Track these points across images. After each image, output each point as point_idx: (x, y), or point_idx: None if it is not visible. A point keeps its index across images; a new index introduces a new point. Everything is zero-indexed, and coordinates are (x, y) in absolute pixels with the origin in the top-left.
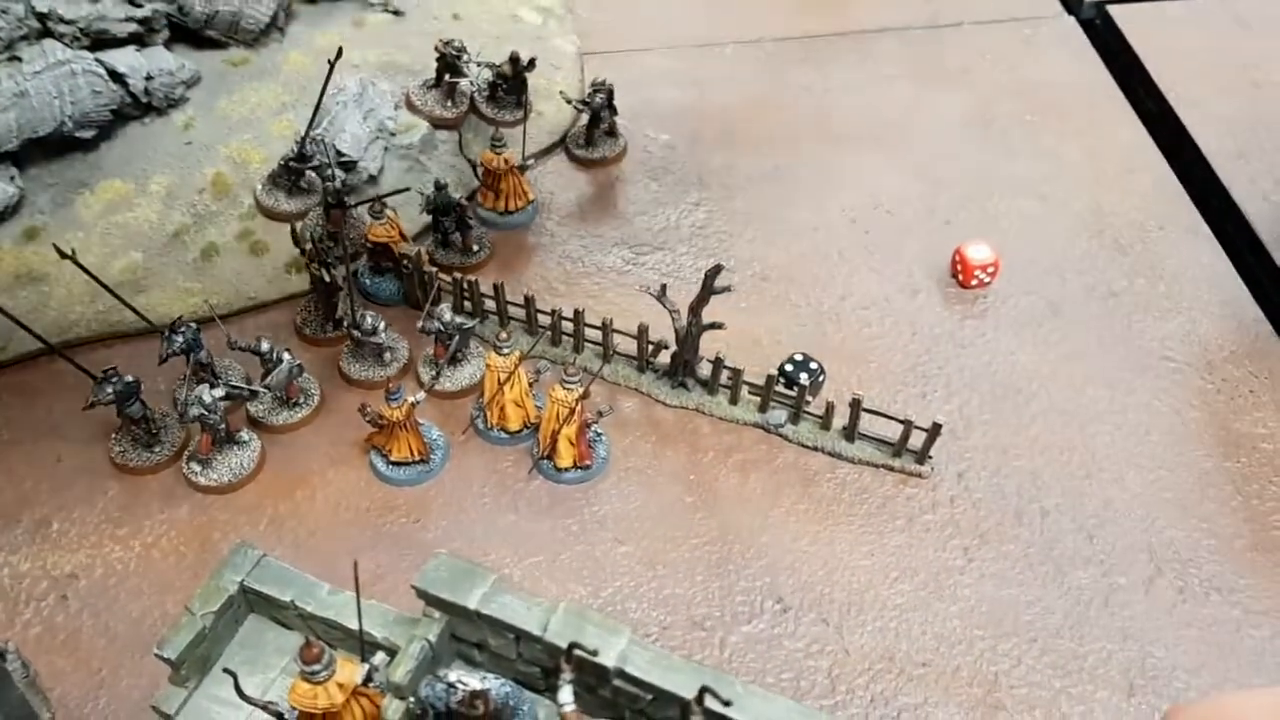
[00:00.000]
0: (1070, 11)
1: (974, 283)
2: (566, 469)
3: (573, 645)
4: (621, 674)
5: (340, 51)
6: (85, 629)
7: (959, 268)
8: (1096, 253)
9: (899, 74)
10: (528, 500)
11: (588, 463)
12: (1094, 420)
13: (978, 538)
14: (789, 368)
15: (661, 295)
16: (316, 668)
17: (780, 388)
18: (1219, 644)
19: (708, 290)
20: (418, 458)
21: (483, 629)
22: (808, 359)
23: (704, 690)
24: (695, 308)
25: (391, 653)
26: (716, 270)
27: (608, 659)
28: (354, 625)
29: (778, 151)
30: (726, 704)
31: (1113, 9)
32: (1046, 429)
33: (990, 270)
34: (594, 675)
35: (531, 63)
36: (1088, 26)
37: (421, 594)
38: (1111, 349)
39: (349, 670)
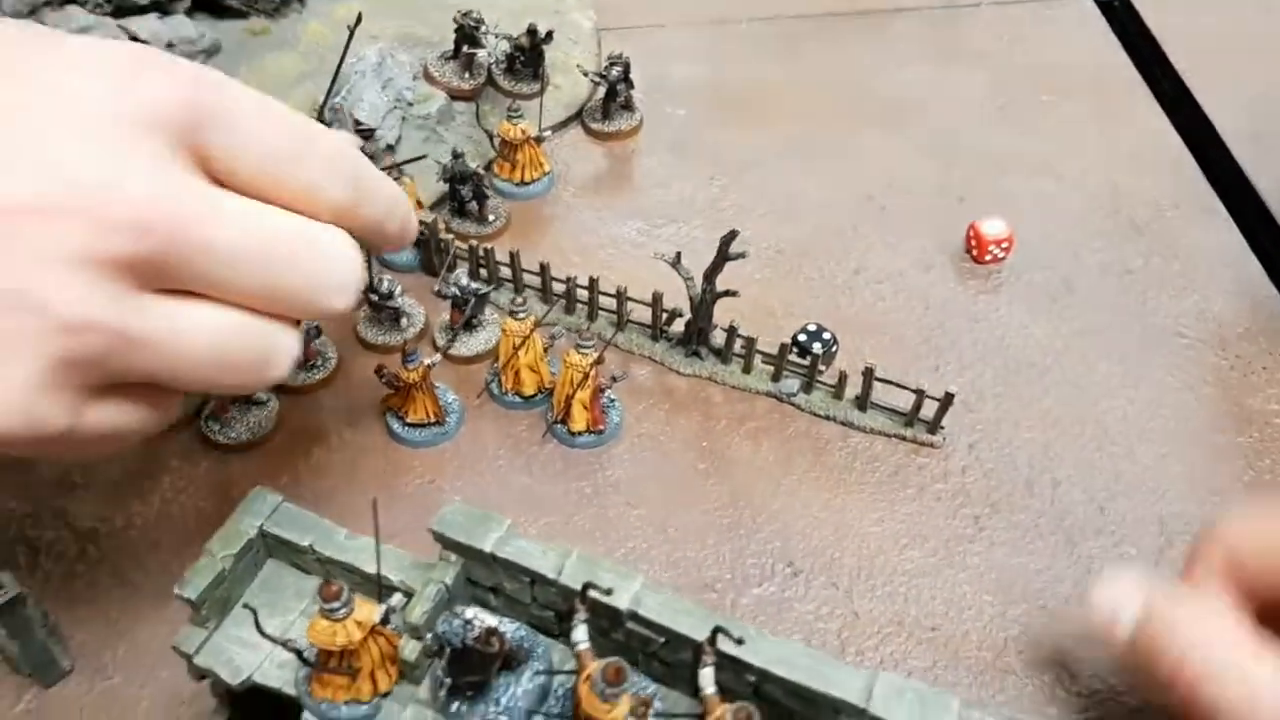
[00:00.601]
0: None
1: (988, 258)
2: (580, 433)
3: (587, 585)
4: (634, 616)
5: (360, 18)
6: (104, 580)
7: (973, 243)
8: (1111, 231)
9: (916, 54)
10: (541, 463)
11: (601, 428)
12: (1106, 395)
13: (988, 507)
14: (802, 337)
15: (676, 263)
16: (336, 605)
17: (793, 357)
18: None
19: (722, 257)
20: (433, 420)
21: (498, 573)
22: (821, 329)
23: (716, 630)
24: (710, 275)
25: (408, 595)
26: (731, 236)
27: (621, 601)
28: (371, 569)
29: (793, 128)
30: (739, 642)
31: None
32: (1058, 402)
33: (1004, 246)
34: (607, 619)
35: (549, 35)
36: (1106, 9)
37: (438, 537)
38: (1125, 325)
39: (367, 610)
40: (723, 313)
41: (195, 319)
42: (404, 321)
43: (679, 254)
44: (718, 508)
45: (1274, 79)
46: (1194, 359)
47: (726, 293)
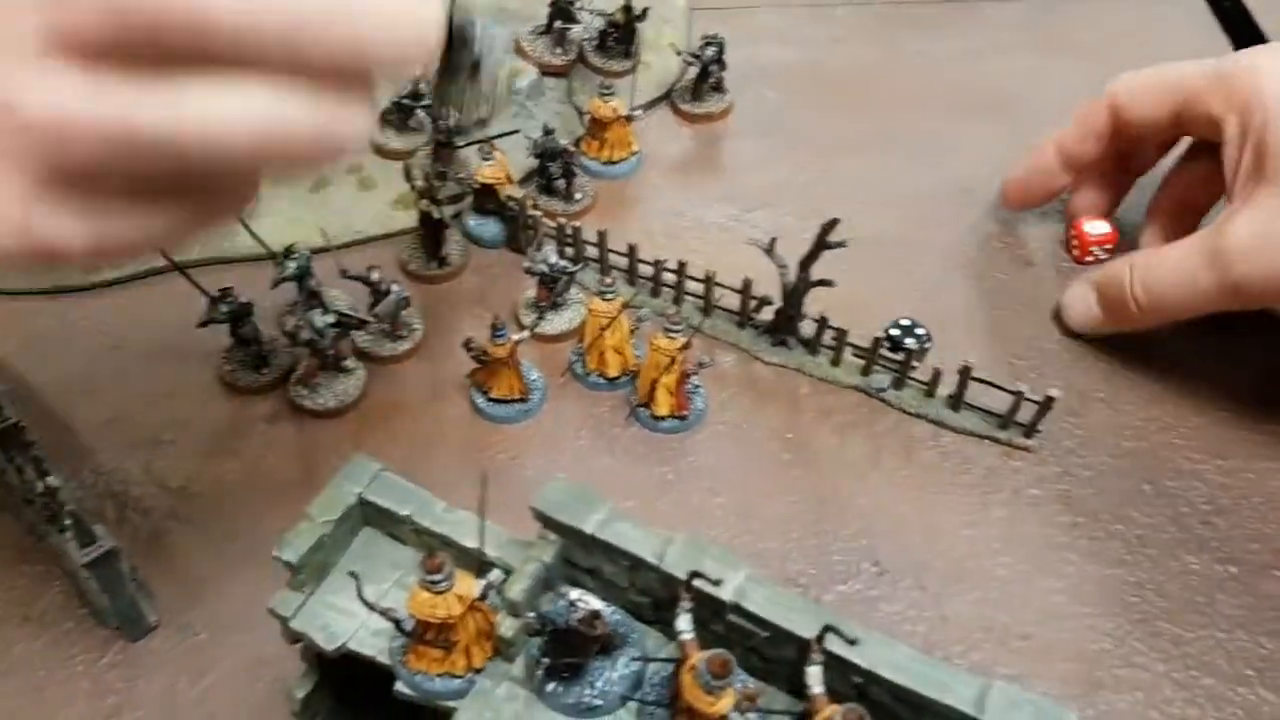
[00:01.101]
0: None
1: (1089, 259)
2: (663, 418)
3: (694, 574)
4: (738, 609)
5: None
6: (191, 538)
7: (1075, 242)
8: None
9: (1016, 43)
10: (624, 446)
11: (685, 413)
12: (1222, 402)
13: (1086, 515)
14: (895, 332)
15: (770, 249)
16: (438, 577)
17: (885, 352)
18: None
19: (820, 244)
20: (517, 396)
21: (597, 555)
22: (915, 324)
23: (827, 629)
24: (805, 263)
25: (507, 572)
26: (832, 224)
27: (724, 593)
28: (467, 543)
29: (889, 116)
30: (852, 643)
31: None
32: (1165, 411)
33: (1108, 247)
34: (708, 609)
35: (644, 13)
36: (1215, 5)
37: (539, 515)
38: (1238, 330)
39: (467, 584)
40: (813, 303)
41: (216, 100)
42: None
43: (774, 240)
44: (802, 501)
45: None
46: None
47: (821, 282)
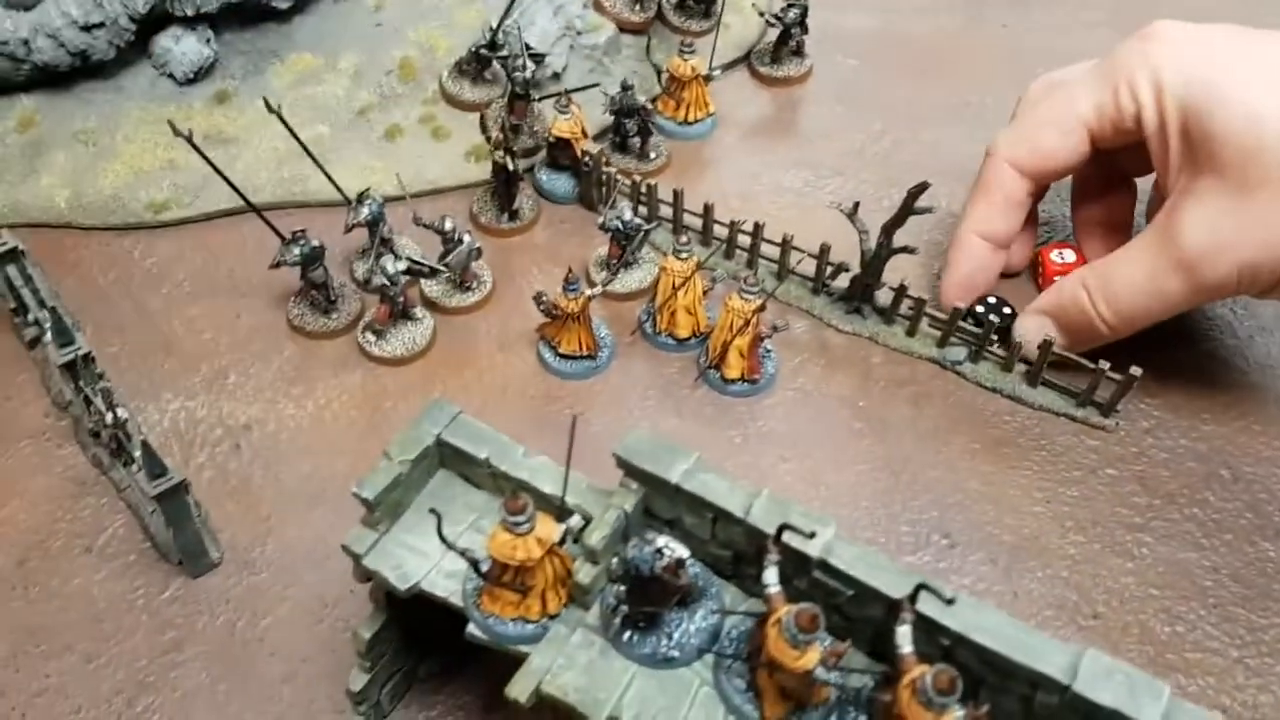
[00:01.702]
0: None
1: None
2: (734, 380)
3: (784, 527)
4: (824, 565)
5: None
6: (255, 478)
7: (1040, 269)
8: None
9: (1100, 20)
10: (692, 408)
11: (756, 376)
12: None
13: (1162, 497)
14: (980, 309)
15: (853, 214)
16: (520, 519)
17: (965, 324)
18: None
19: (907, 210)
20: (586, 353)
21: (680, 506)
22: (1003, 302)
23: (920, 588)
24: (889, 229)
25: (587, 519)
26: (921, 188)
27: (813, 549)
28: (546, 489)
29: (969, 87)
30: (949, 602)
31: None
32: (1246, 394)
33: None
34: (792, 565)
35: None
36: None
37: (622, 463)
38: None
39: (548, 527)
40: (891, 272)
41: None
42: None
43: (856, 204)
44: (873, 469)
45: None
46: None
47: (905, 249)
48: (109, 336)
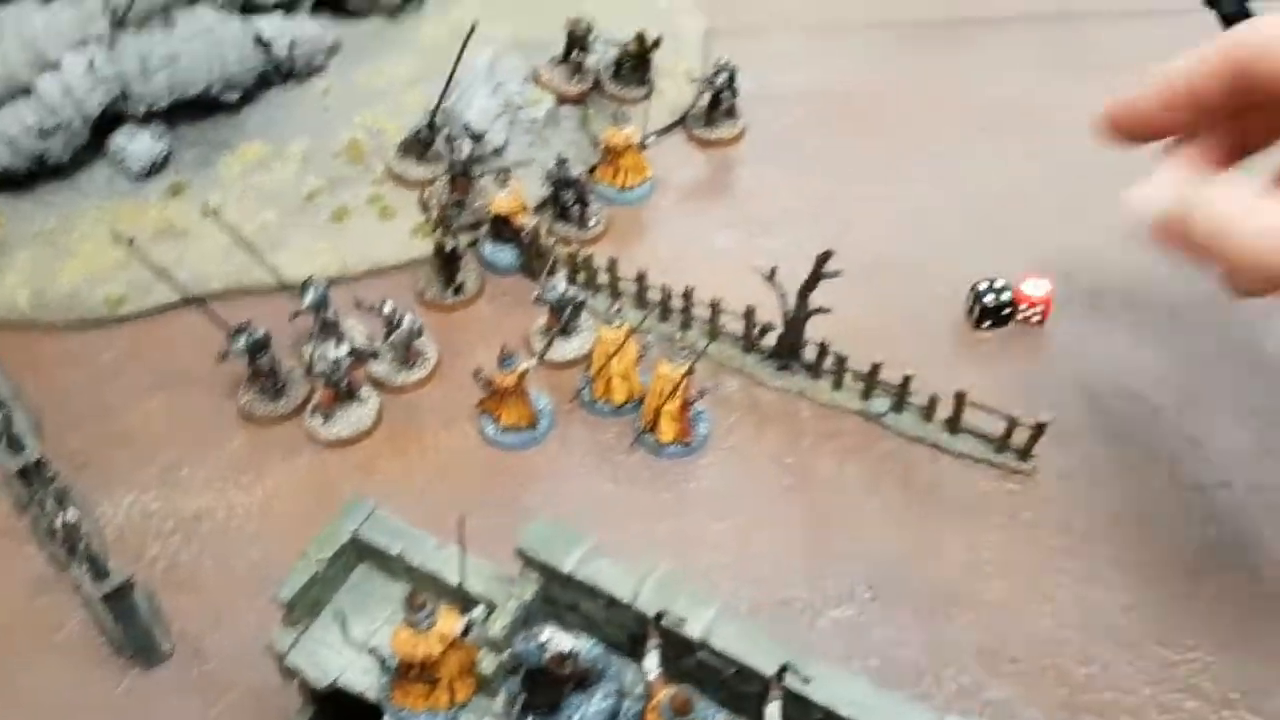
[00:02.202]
0: (1211, 6)
1: (1020, 319)
2: (668, 444)
3: (660, 614)
4: (705, 646)
5: (474, 27)
6: (206, 568)
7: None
8: None
9: (1029, 64)
10: (628, 472)
11: (688, 440)
12: (1208, 430)
13: (1078, 539)
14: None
15: (771, 277)
16: (420, 616)
17: (885, 376)
18: None
19: (817, 275)
20: (525, 424)
21: (574, 592)
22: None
23: (784, 668)
24: (804, 292)
25: (490, 609)
26: (826, 256)
27: (693, 630)
28: (456, 580)
29: (903, 139)
30: (806, 681)
31: (1254, 3)
32: (1155, 437)
33: (1040, 310)
34: (680, 645)
35: (657, 42)
36: (1229, 22)
37: (521, 554)
38: (1231, 355)
39: (450, 622)
40: (819, 327)
41: None
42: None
43: (774, 269)
44: (801, 525)
45: None
46: None
47: (818, 310)
48: (67, 434)
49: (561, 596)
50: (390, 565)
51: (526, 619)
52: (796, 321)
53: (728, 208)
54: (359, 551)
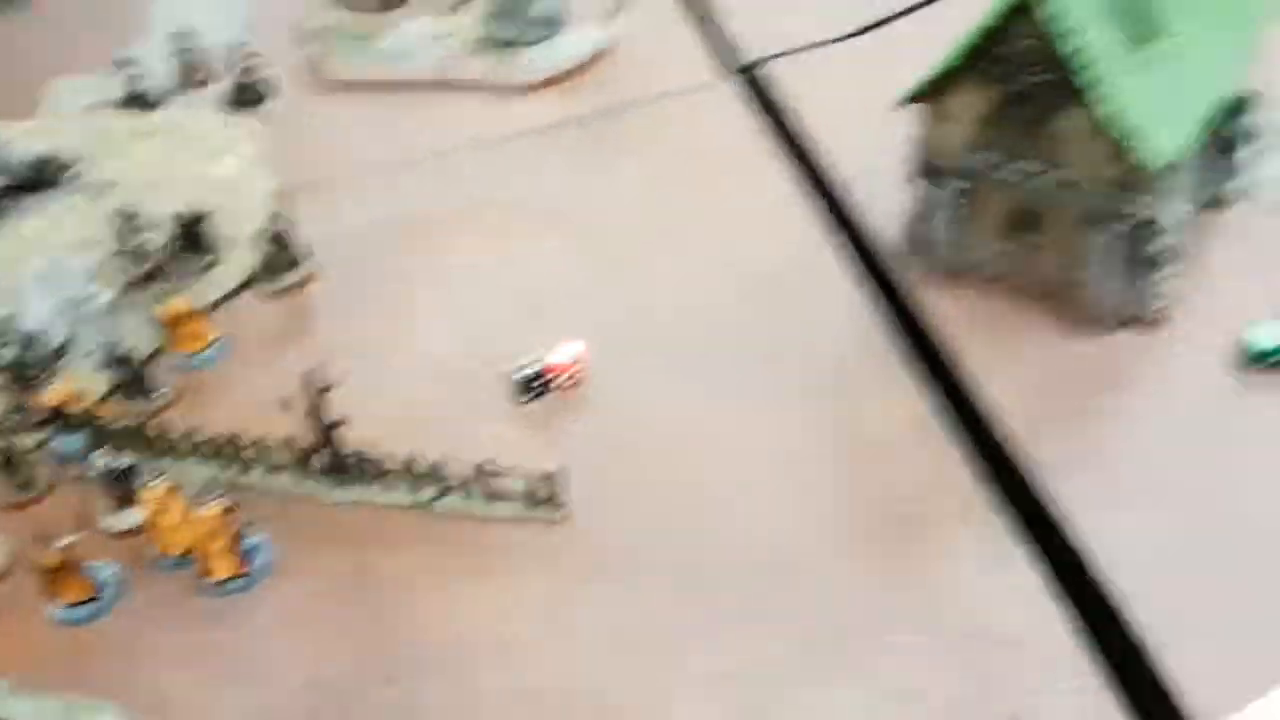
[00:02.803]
0: (732, 72)
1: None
2: (225, 580)
3: None
4: None
5: None
6: None
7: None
8: (737, 303)
9: (560, 167)
10: (184, 618)
11: (245, 571)
12: (730, 456)
13: (611, 574)
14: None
15: (286, 407)
16: None
17: (419, 466)
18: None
19: (313, 392)
20: (86, 598)
21: None
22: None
23: None
24: (313, 411)
25: None
26: (313, 372)
27: None
28: None
29: (456, 249)
30: None
31: (772, 64)
32: (680, 472)
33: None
34: None
35: (200, 217)
36: (751, 85)
37: None
38: (747, 388)
39: None
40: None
41: None
42: None
43: (286, 399)
44: (355, 636)
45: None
46: (814, 418)
47: (335, 424)
48: None
49: None
50: None
51: None
52: (324, 437)
53: (297, 350)
54: None
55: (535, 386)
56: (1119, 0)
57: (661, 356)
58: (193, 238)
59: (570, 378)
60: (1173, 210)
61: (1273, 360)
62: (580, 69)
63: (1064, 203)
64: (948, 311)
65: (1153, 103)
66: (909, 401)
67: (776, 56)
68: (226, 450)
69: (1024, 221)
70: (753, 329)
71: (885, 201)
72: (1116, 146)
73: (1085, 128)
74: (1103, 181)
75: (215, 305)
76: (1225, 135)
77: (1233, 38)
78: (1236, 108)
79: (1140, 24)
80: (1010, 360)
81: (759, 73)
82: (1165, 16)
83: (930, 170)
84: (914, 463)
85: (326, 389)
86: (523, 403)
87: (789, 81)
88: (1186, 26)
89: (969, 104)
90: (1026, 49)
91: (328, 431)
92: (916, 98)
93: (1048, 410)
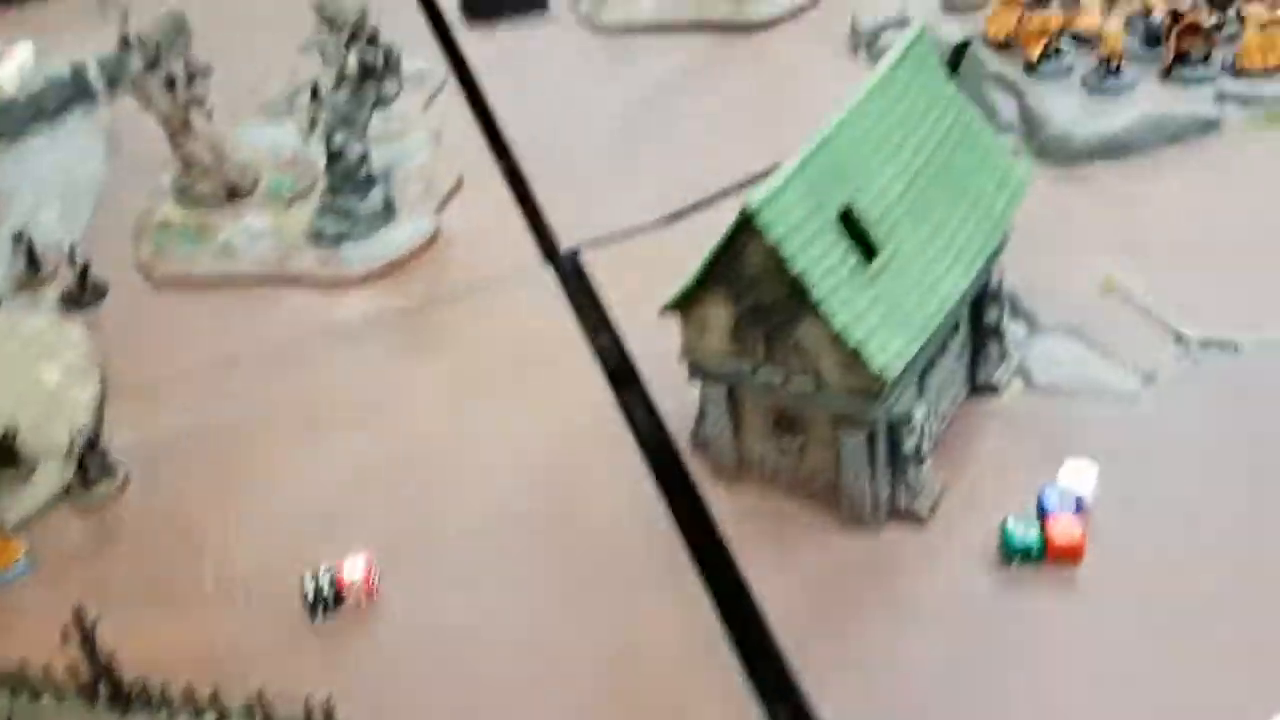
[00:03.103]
0: (550, 260)
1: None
2: None
3: None
4: None
5: None
6: None
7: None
8: (528, 505)
9: (377, 360)
10: None
11: None
12: (510, 667)
13: None
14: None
15: (65, 639)
16: None
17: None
18: None
19: (84, 626)
20: None
21: None
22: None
23: None
24: (86, 644)
25: None
26: (82, 608)
27: None
28: None
29: (268, 452)
30: None
31: (586, 254)
32: (459, 684)
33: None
34: None
35: (14, 435)
36: (569, 273)
37: None
38: (534, 589)
39: None
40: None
41: None
42: None
43: (65, 631)
44: None
45: None
46: (597, 615)
47: (108, 657)
48: None
49: None
50: None
51: None
52: (100, 668)
53: (97, 572)
54: None
55: (325, 602)
56: (845, 218)
57: (450, 564)
58: (6, 454)
59: (360, 591)
60: (926, 408)
61: (1027, 556)
62: (411, 255)
63: (815, 406)
64: (728, 508)
65: (879, 314)
66: (688, 600)
67: (592, 244)
68: (14, 679)
69: (789, 423)
70: (544, 530)
71: (678, 396)
72: (853, 356)
73: (825, 338)
74: (845, 388)
75: (25, 522)
76: (988, 324)
77: (971, 231)
78: (988, 298)
79: (866, 238)
80: (784, 556)
81: (579, 259)
82: (892, 228)
83: (697, 372)
84: (687, 668)
85: (93, 625)
86: (316, 620)
87: (600, 269)
88: (914, 234)
89: (717, 315)
90: (761, 267)
91: (104, 664)
92: (673, 308)
93: (815, 610)
